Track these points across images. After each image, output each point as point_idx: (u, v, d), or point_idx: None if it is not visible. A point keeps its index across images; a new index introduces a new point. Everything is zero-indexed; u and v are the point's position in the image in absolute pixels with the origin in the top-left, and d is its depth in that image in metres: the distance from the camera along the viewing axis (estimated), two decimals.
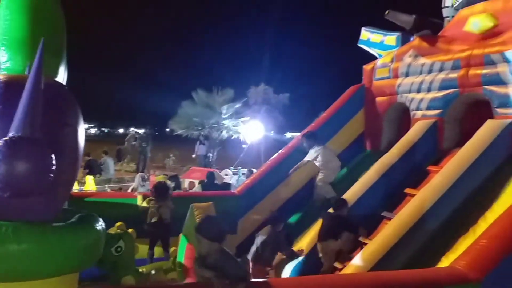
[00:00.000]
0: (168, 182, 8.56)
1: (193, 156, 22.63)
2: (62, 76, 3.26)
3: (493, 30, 6.69)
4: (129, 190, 11.61)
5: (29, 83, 2.34)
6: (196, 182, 13.62)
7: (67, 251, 2.58)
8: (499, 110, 6.35)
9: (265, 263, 6.64)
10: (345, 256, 6.38)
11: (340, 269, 6.13)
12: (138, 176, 11.71)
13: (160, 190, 7.12)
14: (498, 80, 6.31)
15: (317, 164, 8.00)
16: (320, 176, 7.99)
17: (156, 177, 7.47)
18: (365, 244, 6.16)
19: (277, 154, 8.75)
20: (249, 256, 6.67)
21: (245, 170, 16.06)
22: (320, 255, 6.37)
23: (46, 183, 2.30)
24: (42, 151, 2.27)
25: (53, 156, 2.32)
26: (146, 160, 22.57)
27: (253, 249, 6.66)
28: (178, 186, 10.61)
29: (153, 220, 6.87)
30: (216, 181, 11.79)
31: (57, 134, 2.61)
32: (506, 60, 6.21)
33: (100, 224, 2.87)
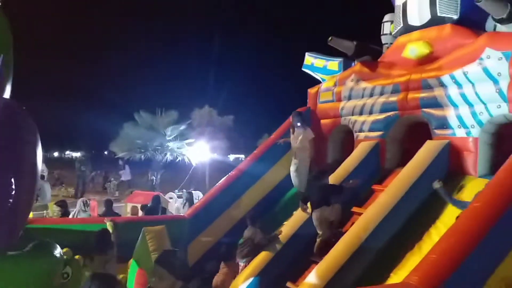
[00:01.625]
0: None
1: (116, 182, 22.17)
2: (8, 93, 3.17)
3: (429, 56, 7.12)
4: (71, 216, 11.09)
5: None
6: (139, 206, 13.27)
7: (25, 280, 2.45)
8: (437, 131, 6.76)
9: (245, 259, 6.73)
10: (336, 227, 6.67)
11: None
12: (79, 201, 11.21)
13: (101, 242, 6.30)
14: (436, 103, 6.74)
15: (296, 145, 7.82)
16: (293, 165, 7.83)
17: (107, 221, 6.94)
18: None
19: (226, 176, 8.76)
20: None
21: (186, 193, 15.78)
22: (316, 224, 6.61)
23: (5, 210, 2.19)
24: (1, 176, 2.17)
25: (12, 180, 2.22)
26: (84, 184, 21.76)
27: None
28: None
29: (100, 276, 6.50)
30: (162, 205, 11.56)
31: (15, 156, 2.50)
32: (442, 84, 6.66)
33: (58, 252, 2.76)
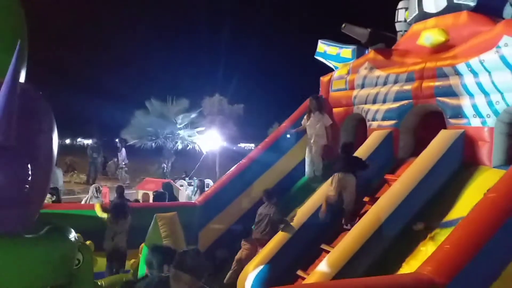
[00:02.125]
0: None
1: (126, 168, 22.36)
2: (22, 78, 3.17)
3: (445, 44, 7.00)
4: (83, 202, 11.21)
5: (4, 88, 2.22)
6: (150, 193, 13.35)
7: (41, 263, 2.47)
8: (452, 121, 6.66)
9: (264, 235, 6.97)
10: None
11: (304, 278, 6.19)
12: (92, 188, 11.34)
13: (117, 212, 6.91)
14: (451, 92, 6.63)
15: (314, 131, 8.08)
16: (308, 150, 8.10)
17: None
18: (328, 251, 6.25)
19: (237, 164, 8.76)
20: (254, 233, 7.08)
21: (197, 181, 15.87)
22: (337, 189, 6.70)
23: (22, 194, 2.19)
24: (18, 161, 2.16)
25: (29, 166, 2.22)
26: (96, 171, 21.91)
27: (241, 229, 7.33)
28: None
29: (109, 249, 6.71)
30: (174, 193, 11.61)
31: (32, 142, 2.50)
32: (457, 73, 6.54)
33: (74, 236, 2.77)
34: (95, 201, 10.73)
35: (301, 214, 6.96)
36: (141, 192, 14.74)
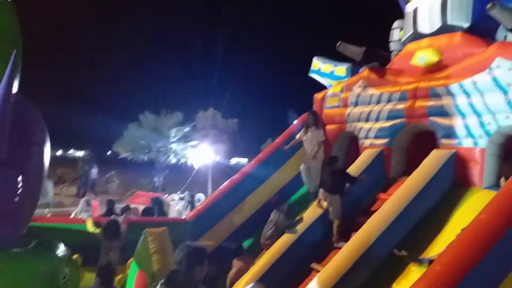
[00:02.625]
0: None
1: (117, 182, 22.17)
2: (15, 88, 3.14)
3: (438, 65, 7.05)
4: (72, 215, 11.07)
5: None
6: (141, 207, 13.20)
7: (28, 277, 2.40)
8: (444, 141, 6.68)
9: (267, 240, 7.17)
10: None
11: None
12: (83, 201, 11.21)
13: (111, 231, 6.82)
14: (443, 112, 6.67)
15: (310, 146, 8.17)
16: (303, 165, 8.19)
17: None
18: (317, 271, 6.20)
19: (230, 179, 8.71)
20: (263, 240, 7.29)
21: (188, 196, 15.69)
22: (330, 210, 6.87)
23: (10, 207, 2.14)
24: (8, 174, 2.11)
25: (19, 178, 2.17)
26: (87, 184, 21.72)
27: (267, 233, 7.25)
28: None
29: (102, 264, 6.63)
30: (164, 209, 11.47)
31: (23, 154, 2.45)
32: (450, 93, 6.58)
33: (62, 250, 2.71)
34: (85, 214, 10.62)
35: (294, 231, 6.91)
36: (132, 206, 14.57)
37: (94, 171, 21.42)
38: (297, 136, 8.52)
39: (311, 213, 7.09)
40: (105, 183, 23.75)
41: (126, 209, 10.78)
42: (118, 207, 12.48)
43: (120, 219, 7.60)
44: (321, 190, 7.10)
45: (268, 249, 6.93)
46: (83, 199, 12.01)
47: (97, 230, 6.80)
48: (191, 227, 7.90)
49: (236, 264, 6.88)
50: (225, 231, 8.07)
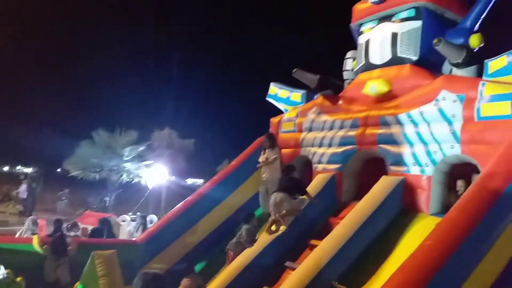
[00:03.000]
0: None
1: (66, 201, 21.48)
2: None
3: (388, 94, 7.35)
4: (17, 235, 10.55)
5: None
6: (90, 228, 12.78)
7: None
8: (393, 168, 6.93)
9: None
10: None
11: None
12: (29, 220, 10.67)
13: (57, 246, 6.62)
14: (392, 140, 6.93)
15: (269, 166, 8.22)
16: (270, 183, 8.13)
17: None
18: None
19: (184, 200, 8.62)
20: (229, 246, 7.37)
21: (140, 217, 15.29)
22: (271, 206, 7.01)
23: None
24: None
25: None
26: (34, 202, 20.84)
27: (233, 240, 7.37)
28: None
29: (49, 281, 6.36)
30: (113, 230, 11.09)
31: None
32: (399, 122, 6.87)
33: (2, 273, 2.60)
34: (31, 234, 10.15)
35: (248, 253, 6.88)
36: (80, 227, 14.08)
37: (23, 188, 20.42)
38: (260, 159, 8.54)
39: (264, 237, 7.10)
40: (56, 201, 22.89)
41: (74, 226, 10.42)
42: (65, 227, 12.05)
43: (68, 238, 7.34)
44: (272, 213, 7.12)
45: (229, 256, 7.08)
46: (29, 218, 11.46)
47: (43, 250, 6.54)
48: (142, 250, 7.72)
49: (183, 283, 6.76)
50: (177, 254, 7.92)
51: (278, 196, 7.00)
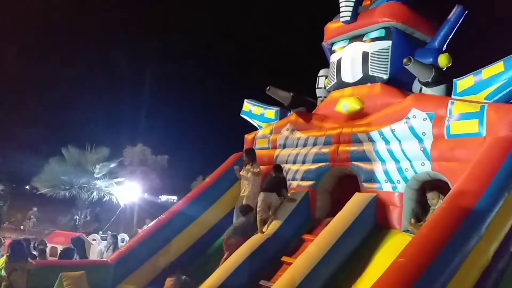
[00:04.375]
0: None
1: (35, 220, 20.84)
2: None
3: (360, 112, 7.46)
4: None
5: None
6: (60, 247, 12.43)
7: None
8: (365, 185, 6.99)
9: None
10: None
11: None
12: None
13: (13, 249, 6.46)
14: (364, 157, 7.01)
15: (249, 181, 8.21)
16: (248, 189, 8.16)
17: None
18: None
19: (157, 219, 8.46)
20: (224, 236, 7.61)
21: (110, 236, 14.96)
22: (260, 205, 7.38)
23: None
24: None
25: None
26: (1, 220, 20.17)
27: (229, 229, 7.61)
28: None
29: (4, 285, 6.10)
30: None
31: None
32: (371, 140, 6.96)
33: None
34: None
35: (221, 271, 6.76)
36: (49, 246, 13.69)
37: None
38: (240, 173, 8.46)
39: (248, 245, 7.00)
40: (24, 220, 22.17)
41: (41, 244, 10.10)
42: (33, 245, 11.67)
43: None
44: (259, 214, 7.40)
45: (228, 248, 7.26)
46: None
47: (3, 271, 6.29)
48: (112, 270, 7.50)
49: (166, 283, 6.80)
50: (149, 275, 7.73)
51: (267, 196, 7.44)
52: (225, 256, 7.28)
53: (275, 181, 7.70)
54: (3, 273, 6.40)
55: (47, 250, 13.50)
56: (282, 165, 8.38)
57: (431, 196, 6.40)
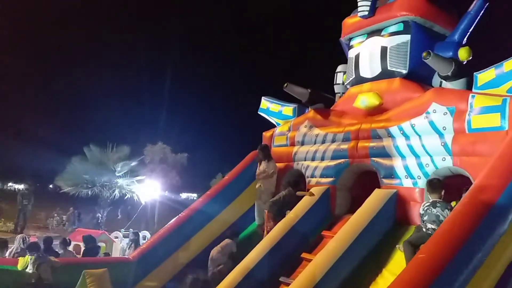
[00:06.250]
0: None
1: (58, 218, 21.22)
2: None
3: (379, 108, 7.40)
4: (7, 254, 10.38)
5: None
6: (82, 245, 12.62)
7: None
8: (385, 181, 6.93)
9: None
10: None
11: None
12: (18, 238, 10.46)
13: (33, 247, 6.66)
14: (384, 153, 6.95)
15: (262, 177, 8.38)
16: (264, 195, 8.34)
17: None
18: None
19: (177, 216, 8.53)
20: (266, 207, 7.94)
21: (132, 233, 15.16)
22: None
23: None
24: None
25: None
26: (26, 219, 20.59)
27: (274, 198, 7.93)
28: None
29: (32, 281, 6.23)
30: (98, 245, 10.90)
31: None
32: (390, 135, 6.89)
33: None
34: (21, 253, 9.98)
35: (241, 268, 6.79)
36: (72, 244, 13.93)
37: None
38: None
39: (266, 243, 7.03)
40: (67, 220, 22.58)
41: (64, 242, 10.27)
42: (57, 244, 11.88)
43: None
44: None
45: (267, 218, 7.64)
46: (18, 236, 11.27)
47: (30, 269, 6.44)
48: (134, 267, 7.61)
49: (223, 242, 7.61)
50: (170, 272, 7.82)
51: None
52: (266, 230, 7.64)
53: (291, 200, 7.77)
54: (29, 269, 6.54)
55: (71, 247, 13.76)
56: (301, 162, 8.38)
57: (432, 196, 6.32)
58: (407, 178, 6.67)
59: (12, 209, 22.57)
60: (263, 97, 9.95)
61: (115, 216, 22.43)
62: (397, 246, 6.12)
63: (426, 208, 5.72)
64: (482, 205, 4.80)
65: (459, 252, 4.40)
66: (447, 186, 6.08)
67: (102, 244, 12.88)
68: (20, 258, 6.79)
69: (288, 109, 9.42)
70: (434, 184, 5.93)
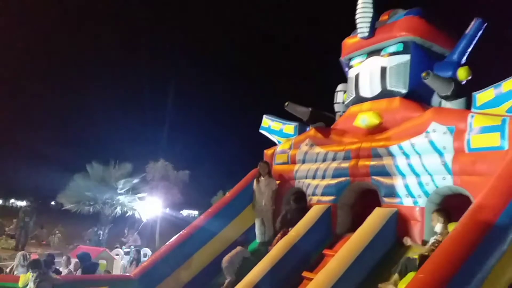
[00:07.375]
0: None
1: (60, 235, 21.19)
2: None
3: (379, 127, 7.46)
4: (7, 271, 10.38)
5: None
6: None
7: None
8: (386, 199, 6.96)
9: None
10: None
11: None
12: (19, 255, 10.47)
13: (34, 264, 6.69)
14: (385, 172, 6.98)
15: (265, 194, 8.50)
16: (265, 211, 8.50)
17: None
18: None
19: (178, 234, 8.54)
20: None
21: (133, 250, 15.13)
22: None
23: None
24: None
25: None
26: (27, 236, 20.56)
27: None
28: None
29: None
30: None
31: None
32: (390, 154, 6.94)
33: None
34: (21, 270, 9.97)
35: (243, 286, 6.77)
36: (73, 261, 13.89)
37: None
38: (254, 187, 8.65)
39: (268, 259, 7.01)
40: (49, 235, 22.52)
41: (67, 260, 10.27)
42: (59, 261, 11.87)
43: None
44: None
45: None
46: (19, 253, 11.26)
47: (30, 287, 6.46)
48: (135, 285, 7.60)
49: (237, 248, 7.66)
50: None
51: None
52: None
53: (296, 216, 7.86)
54: (30, 287, 6.55)
55: (71, 265, 13.72)
56: (302, 180, 8.42)
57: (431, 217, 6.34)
58: (407, 197, 6.70)
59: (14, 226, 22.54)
60: (264, 115, 10.03)
61: (116, 233, 22.32)
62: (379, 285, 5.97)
63: None
64: (482, 225, 4.82)
65: (458, 272, 4.41)
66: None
67: (103, 262, 12.83)
68: (21, 275, 6.80)
69: (289, 127, 9.49)
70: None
